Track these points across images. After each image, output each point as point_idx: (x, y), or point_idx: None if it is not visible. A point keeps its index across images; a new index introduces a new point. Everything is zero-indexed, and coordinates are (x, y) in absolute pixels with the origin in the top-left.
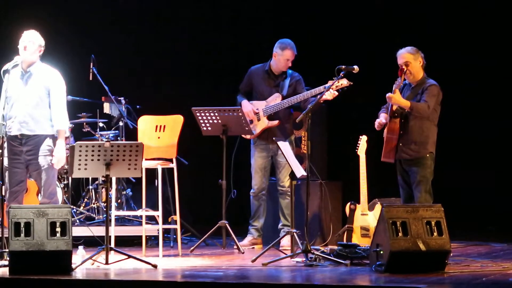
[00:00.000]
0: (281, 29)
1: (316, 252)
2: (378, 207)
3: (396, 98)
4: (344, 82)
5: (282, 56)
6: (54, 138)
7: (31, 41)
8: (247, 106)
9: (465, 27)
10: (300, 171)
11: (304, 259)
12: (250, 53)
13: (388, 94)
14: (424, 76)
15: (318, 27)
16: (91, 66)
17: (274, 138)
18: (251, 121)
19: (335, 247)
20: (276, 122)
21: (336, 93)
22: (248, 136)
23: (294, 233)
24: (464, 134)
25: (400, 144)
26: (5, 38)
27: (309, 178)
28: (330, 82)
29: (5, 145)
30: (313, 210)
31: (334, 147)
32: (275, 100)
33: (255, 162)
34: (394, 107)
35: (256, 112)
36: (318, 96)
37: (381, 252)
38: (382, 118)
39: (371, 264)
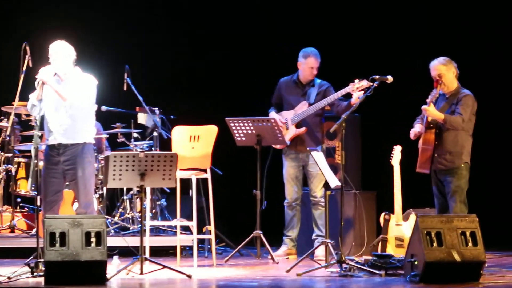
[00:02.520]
0: (313, 40)
1: (350, 263)
2: (412, 217)
3: (431, 111)
4: (364, 83)
5: (305, 64)
6: (91, 147)
7: (56, 52)
8: (275, 117)
9: None
10: (334, 181)
11: (339, 269)
12: (283, 64)
13: (424, 107)
14: (458, 86)
15: (353, 36)
16: (126, 77)
17: (308, 148)
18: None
19: (370, 258)
20: (303, 129)
21: (361, 94)
22: (278, 146)
23: (329, 243)
24: (498, 142)
25: (435, 155)
26: (39, 48)
27: (343, 188)
28: (351, 85)
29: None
30: (348, 220)
31: (368, 157)
32: (302, 108)
33: (286, 172)
34: (429, 119)
35: (284, 122)
36: (347, 102)
37: (416, 262)
38: (417, 127)
39: (405, 275)
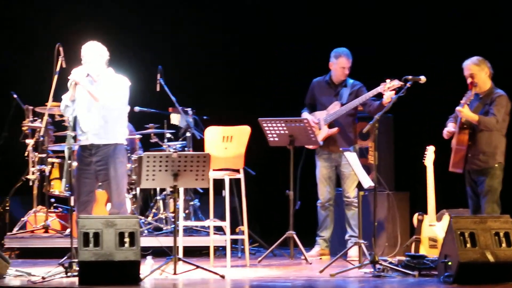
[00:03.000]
0: (349, 41)
1: (384, 263)
2: (446, 218)
3: (465, 112)
4: (396, 82)
5: (337, 64)
6: (123, 148)
7: (89, 53)
8: (307, 118)
9: None
10: (367, 182)
11: (372, 270)
12: (316, 65)
13: (458, 108)
14: (491, 86)
15: (388, 35)
16: (159, 77)
17: (341, 148)
18: None
19: (403, 258)
20: (335, 129)
21: (393, 94)
22: (310, 146)
23: (362, 244)
24: None
25: (469, 155)
26: (72, 49)
27: (377, 188)
28: (382, 84)
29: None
30: (381, 221)
31: (401, 157)
32: (335, 108)
33: (319, 172)
34: (463, 119)
35: (317, 122)
36: (379, 102)
37: (450, 263)
38: (450, 127)
39: (439, 275)
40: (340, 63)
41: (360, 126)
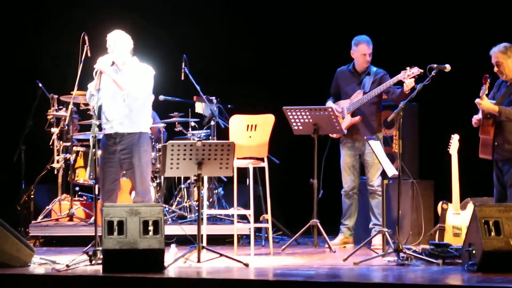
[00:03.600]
0: (372, 29)
1: (408, 252)
2: (470, 207)
3: (484, 104)
4: (415, 70)
5: (358, 52)
6: (148, 136)
7: (114, 41)
8: (331, 106)
9: None
10: (391, 170)
11: (396, 258)
12: (341, 53)
13: (477, 100)
14: None
15: (411, 23)
16: (183, 66)
17: (365, 137)
18: None
19: (427, 247)
20: (357, 118)
21: (413, 82)
22: (334, 135)
23: (386, 232)
24: None
25: (496, 144)
26: (97, 38)
27: (401, 177)
28: (402, 72)
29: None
30: (405, 209)
31: (426, 146)
32: (357, 96)
33: (343, 161)
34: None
35: (340, 111)
36: (401, 90)
37: (474, 251)
38: (480, 114)
39: (463, 264)
40: (360, 50)
41: (384, 115)
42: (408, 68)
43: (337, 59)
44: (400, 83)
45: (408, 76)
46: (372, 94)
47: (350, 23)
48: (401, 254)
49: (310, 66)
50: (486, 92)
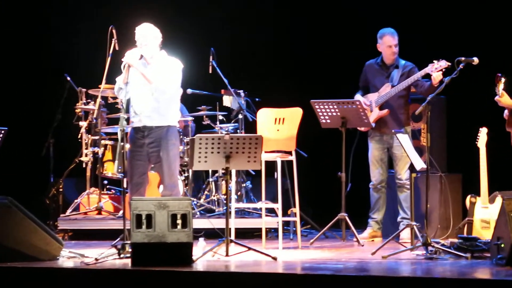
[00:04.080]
0: (398, 22)
1: (436, 245)
2: (498, 200)
3: (504, 101)
4: (443, 63)
5: (383, 44)
6: (176, 130)
7: (143, 35)
8: (359, 100)
9: None
10: (419, 164)
11: (424, 252)
12: (369, 46)
13: (496, 98)
14: None
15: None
16: (211, 59)
17: (393, 130)
18: None
19: (456, 240)
20: (385, 111)
21: (440, 75)
22: (362, 128)
23: (414, 226)
24: None
25: None
26: (126, 31)
27: (429, 170)
28: (430, 65)
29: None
30: (433, 203)
31: (454, 139)
32: (385, 90)
33: (371, 154)
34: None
35: (368, 104)
36: (429, 83)
37: (502, 245)
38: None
39: (492, 257)
40: (385, 42)
41: (413, 108)
42: (435, 61)
43: (365, 52)
44: (429, 76)
45: (436, 69)
46: (400, 87)
47: (377, 15)
48: (430, 248)
49: (338, 59)
50: (502, 88)
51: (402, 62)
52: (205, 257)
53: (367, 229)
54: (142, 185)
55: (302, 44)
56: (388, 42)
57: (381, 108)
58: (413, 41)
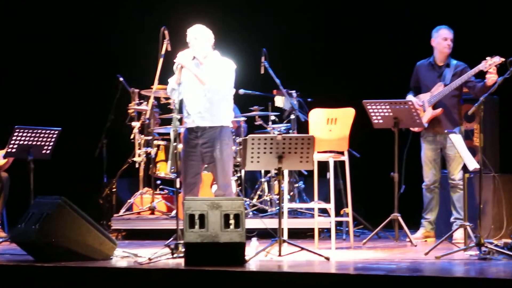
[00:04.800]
0: (452, 21)
1: (489, 246)
2: None
3: None
4: (496, 59)
5: (439, 37)
6: (229, 130)
7: (195, 36)
8: (412, 100)
9: None
10: (472, 164)
11: (478, 252)
12: (420, 46)
13: None
14: None
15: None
16: (263, 60)
17: (446, 131)
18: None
19: (509, 241)
20: (439, 110)
21: (496, 77)
22: (416, 129)
23: (467, 226)
24: None
25: None
26: (178, 32)
27: (482, 171)
28: (483, 62)
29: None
30: (486, 203)
31: (507, 139)
32: (438, 89)
33: (424, 154)
34: None
35: (421, 104)
36: (483, 83)
37: None
38: None
39: None
40: (441, 35)
41: (465, 108)
42: (488, 58)
43: (417, 52)
44: (481, 75)
45: (490, 66)
46: (453, 86)
47: (430, 15)
48: (483, 248)
49: (390, 60)
50: None
51: (454, 61)
52: (258, 257)
53: (420, 229)
54: (195, 185)
55: (355, 44)
56: (444, 34)
57: (434, 107)
58: (463, 42)
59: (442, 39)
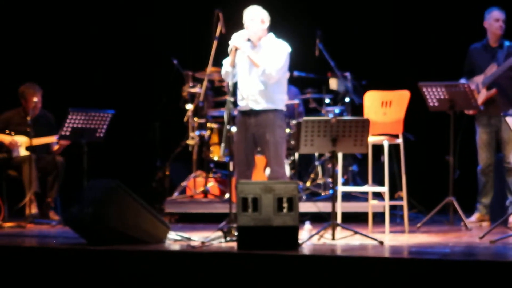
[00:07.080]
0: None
1: None
2: None
3: None
4: None
5: (491, 19)
6: (283, 113)
7: (251, 18)
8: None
9: None
10: None
11: None
12: (474, 28)
13: None
14: None
15: None
16: (318, 42)
17: (502, 114)
18: None
19: None
20: (493, 90)
21: None
22: (470, 112)
23: None
24: None
25: None
26: (232, 14)
27: None
28: None
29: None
30: None
31: None
32: (491, 70)
33: (479, 138)
34: None
35: (474, 87)
36: None
37: None
38: None
39: None
40: (493, 16)
41: None
42: None
43: (471, 35)
44: None
45: None
46: (506, 65)
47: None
48: None
49: (445, 42)
50: None
51: (507, 42)
52: (311, 240)
53: (474, 213)
54: (248, 168)
55: (409, 26)
56: (496, 16)
57: (488, 88)
58: None
59: (494, 20)
